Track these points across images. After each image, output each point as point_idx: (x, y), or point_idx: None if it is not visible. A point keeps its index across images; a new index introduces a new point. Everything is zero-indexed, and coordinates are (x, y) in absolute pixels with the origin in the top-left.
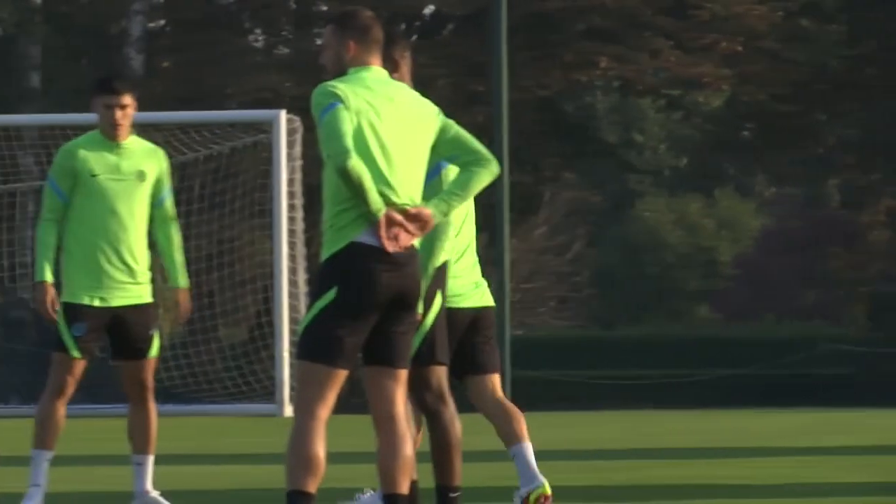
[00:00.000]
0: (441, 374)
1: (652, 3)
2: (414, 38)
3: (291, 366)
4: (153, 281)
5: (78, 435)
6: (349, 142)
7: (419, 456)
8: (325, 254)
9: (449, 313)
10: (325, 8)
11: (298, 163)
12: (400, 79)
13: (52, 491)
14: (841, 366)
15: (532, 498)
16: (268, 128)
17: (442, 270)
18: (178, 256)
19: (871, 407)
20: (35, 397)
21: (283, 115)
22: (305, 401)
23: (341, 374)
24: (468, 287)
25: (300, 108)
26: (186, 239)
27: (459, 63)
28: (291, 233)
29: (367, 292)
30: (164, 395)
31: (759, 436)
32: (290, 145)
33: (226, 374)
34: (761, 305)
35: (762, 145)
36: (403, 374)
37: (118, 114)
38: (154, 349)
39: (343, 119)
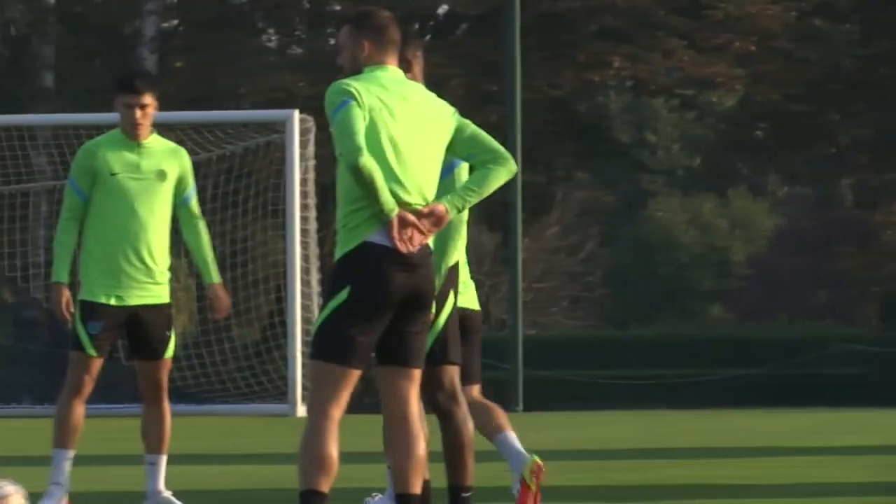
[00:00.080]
0: (454, 373)
1: (665, 3)
2: (427, 37)
3: (304, 366)
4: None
5: (91, 434)
6: (361, 140)
7: (431, 456)
8: (338, 253)
9: None
10: (338, 7)
11: (312, 162)
12: (413, 78)
13: None
14: (854, 366)
15: (527, 473)
16: (281, 128)
17: (455, 270)
18: (209, 253)
19: (883, 407)
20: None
21: (296, 114)
22: (319, 400)
23: (354, 374)
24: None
25: (313, 107)
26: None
27: (473, 63)
28: (304, 233)
29: (380, 292)
30: (176, 395)
31: (771, 436)
32: (304, 145)
33: (238, 374)
34: (774, 305)
35: (775, 145)
36: (417, 373)
37: (138, 113)
38: (170, 350)
39: (356, 117)
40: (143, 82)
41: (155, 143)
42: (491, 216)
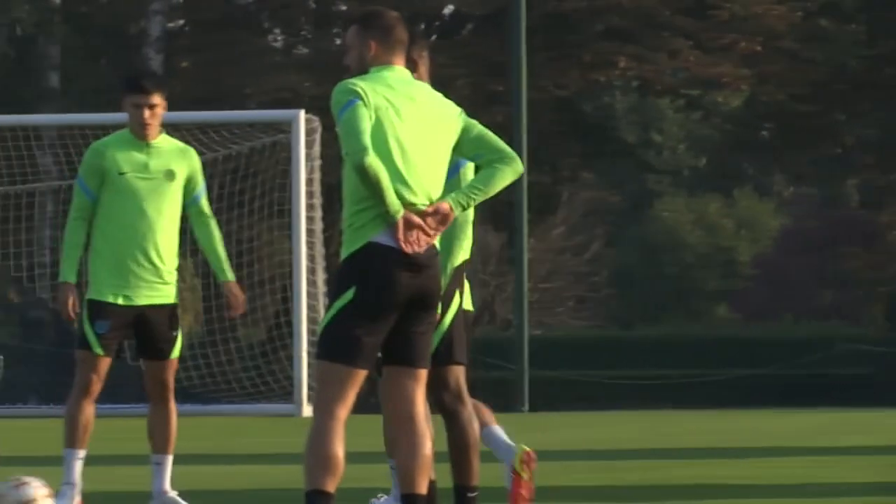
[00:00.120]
0: (459, 373)
1: (670, 3)
2: (433, 37)
3: (310, 366)
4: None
5: (97, 434)
6: (367, 139)
7: (436, 456)
8: (343, 253)
9: None
10: (344, 7)
11: (317, 162)
12: (419, 79)
13: None
14: (859, 366)
15: (517, 462)
16: (287, 128)
17: (460, 270)
18: (222, 252)
19: (889, 407)
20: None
21: (301, 114)
22: (325, 400)
23: (360, 374)
24: None
25: (319, 107)
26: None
27: (478, 63)
28: (310, 233)
29: (386, 292)
30: (182, 395)
31: (777, 436)
32: (309, 145)
33: (244, 374)
34: (780, 305)
35: (781, 145)
36: (423, 374)
37: (146, 113)
38: (176, 350)
39: (362, 116)
40: (152, 82)
41: (164, 142)
42: (496, 216)
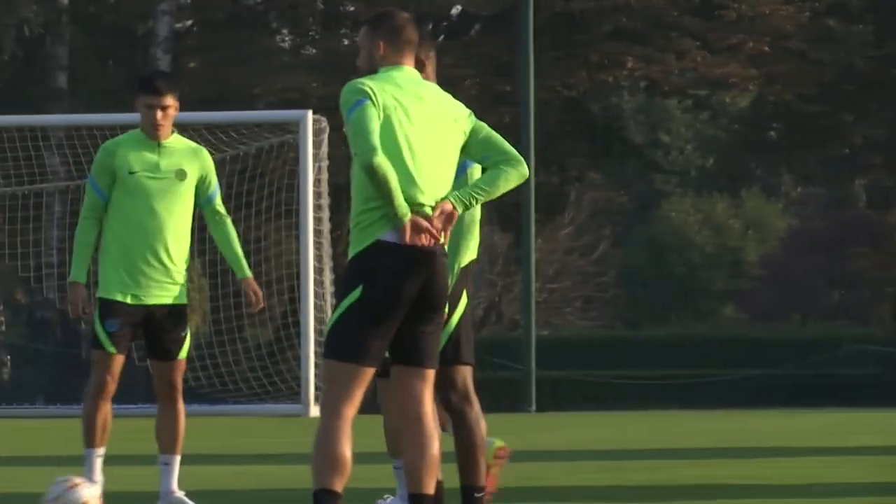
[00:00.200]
0: (466, 374)
1: (678, 4)
2: (441, 38)
3: (317, 366)
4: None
5: None
6: (376, 139)
7: (443, 456)
8: (351, 252)
9: None
10: (352, 8)
11: (325, 163)
12: (426, 79)
13: None
14: (867, 366)
15: (490, 455)
16: (294, 128)
17: (468, 270)
18: (238, 249)
19: None
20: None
21: (309, 115)
22: (332, 400)
23: (368, 373)
24: None
25: (327, 108)
26: (212, 239)
27: (486, 63)
28: (318, 233)
29: (393, 291)
30: (190, 396)
31: (784, 436)
32: (317, 145)
33: (251, 375)
34: (787, 306)
35: (789, 145)
36: (431, 373)
37: (159, 114)
38: (184, 350)
39: (371, 116)
40: (166, 84)
41: (176, 142)
42: (504, 216)
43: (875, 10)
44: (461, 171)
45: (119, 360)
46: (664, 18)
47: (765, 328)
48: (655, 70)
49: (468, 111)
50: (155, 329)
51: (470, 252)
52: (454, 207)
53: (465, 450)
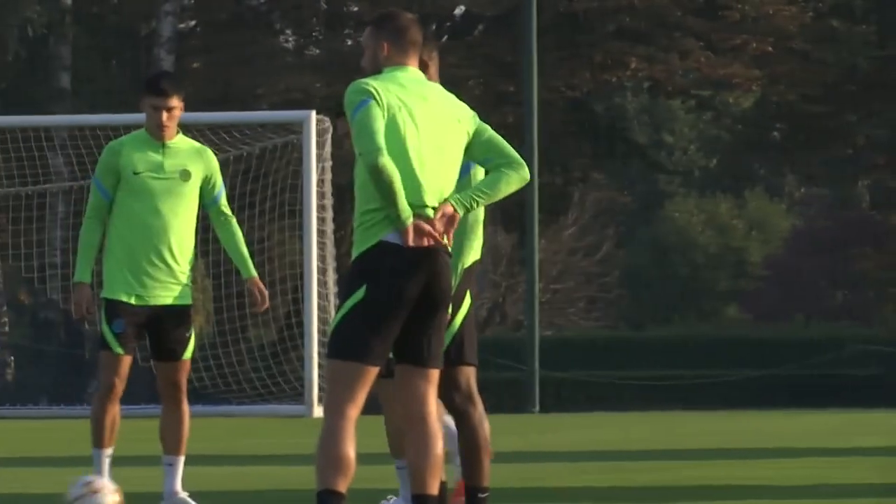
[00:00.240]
0: (470, 374)
1: (682, 4)
2: (444, 38)
3: (320, 366)
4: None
5: None
6: (381, 140)
7: (446, 457)
8: (354, 252)
9: None
10: (355, 9)
11: (328, 163)
12: (429, 79)
13: None
14: (870, 366)
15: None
16: (298, 128)
17: (471, 270)
18: (244, 249)
19: None
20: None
21: (313, 115)
22: (335, 400)
23: (371, 373)
24: None
25: (330, 108)
26: (216, 240)
27: (489, 63)
28: (321, 233)
29: (397, 290)
30: (193, 396)
31: (787, 437)
32: (321, 146)
33: (255, 375)
34: (791, 306)
35: (792, 146)
36: (435, 374)
37: (164, 115)
38: (189, 351)
39: (375, 117)
40: (171, 85)
41: (180, 143)
42: (507, 217)
43: (878, 11)
44: (464, 171)
45: (127, 361)
46: (667, 19)
47: (768, 329)
48: (659, 70)
49: (472, 112)
50: (159, 329)
51: (473, 252)
52: (455, 210)
53: (468, 450)
